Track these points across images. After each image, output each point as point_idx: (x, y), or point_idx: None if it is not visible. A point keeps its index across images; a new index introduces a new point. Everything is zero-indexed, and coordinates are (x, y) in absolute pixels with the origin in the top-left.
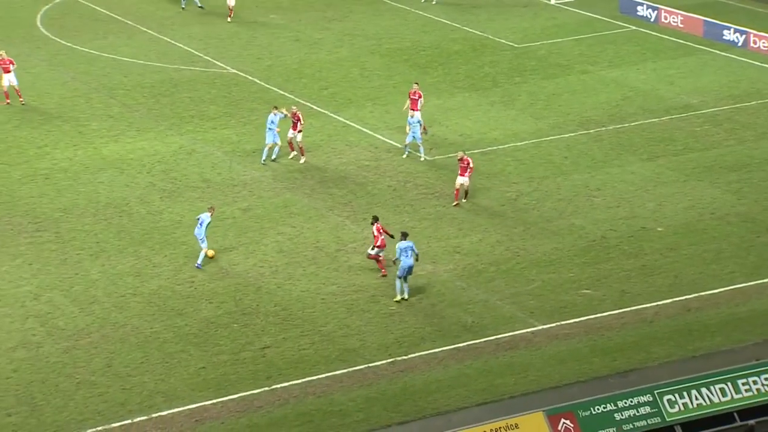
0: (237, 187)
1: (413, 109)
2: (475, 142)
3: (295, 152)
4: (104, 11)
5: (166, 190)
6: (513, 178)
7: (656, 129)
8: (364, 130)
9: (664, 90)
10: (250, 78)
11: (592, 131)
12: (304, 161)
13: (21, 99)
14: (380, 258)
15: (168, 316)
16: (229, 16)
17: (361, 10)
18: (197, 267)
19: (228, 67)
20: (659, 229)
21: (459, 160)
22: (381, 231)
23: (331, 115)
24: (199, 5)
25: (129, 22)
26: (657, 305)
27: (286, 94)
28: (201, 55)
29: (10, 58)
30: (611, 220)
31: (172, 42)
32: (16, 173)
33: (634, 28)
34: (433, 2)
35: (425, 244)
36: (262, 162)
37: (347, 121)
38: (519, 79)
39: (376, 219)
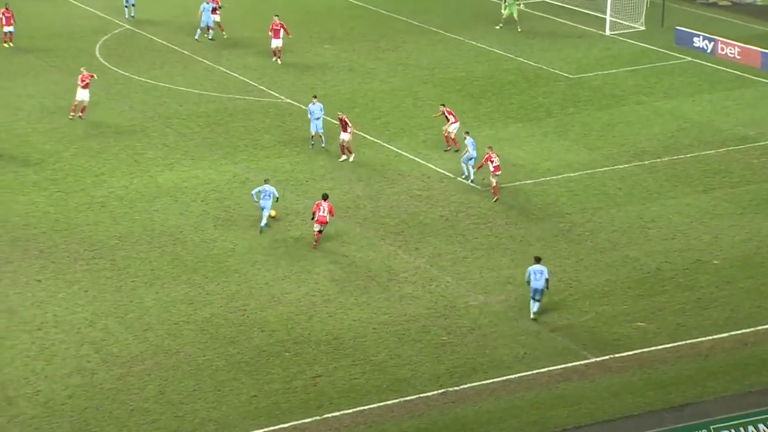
0: (290, 216)
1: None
2: (528, 173)
3: (344, 156)
4: (161, 41)
5: (220, 218)
6: (566, 209)
7: (712, 161)
8: (417, 159)
9: (721, 122)
10: (303, 107)
11: (646, 162)
12: (353, 158)
13: (81, 114)
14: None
15: (220, 344)
16: (279, 58)
17: (414, 40)
18: (261, 229)
19: (282, 97)
20: (715, 261)
21: (339, 120)
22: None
23: (384, 144)
24: (210, 38)
25: (185, 52)
26: (713, 339)
27: (334, 121)
28: (255, 84)
29: (90, 73)
30: (666, 252)
31: (228, 72)
32: (73, 201)
33: (689, 59)
34: (498, 27)
35: (477, 275)
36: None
37: (400, 151)
38: (573, 110)
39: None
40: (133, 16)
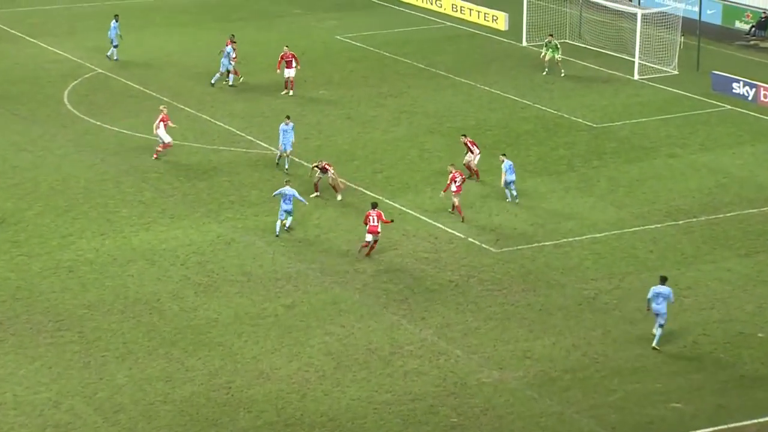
0: (280, 281)
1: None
2: (549, 233)
3: (318, 193)
4: (138, 87)
5: (202, 284)
6: (591, 273)
7: (755, 220)
8: (423, 218)
9: (765, 176)
10: (296, 160)
11: (681, 222)
12: (340, 198)
13: (158, 151)
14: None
15: (201, 426)
16: (291, 89)
17: (420, 84)
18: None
19: (272, 148)
20: (760, 334)
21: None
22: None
23: (387, 201)
24: (231, 84)
25: (165, 99)
26: (758, 422)
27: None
28: (243, 134)
29: (166, 115)
30: (704, 324)
31: (212, 120)
32: (37, 265)
33: (728, 107)
34: (563, 74)
35: (491, 348)
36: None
37: (404, 208)
38: (598, 163)
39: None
40: (116, 59)
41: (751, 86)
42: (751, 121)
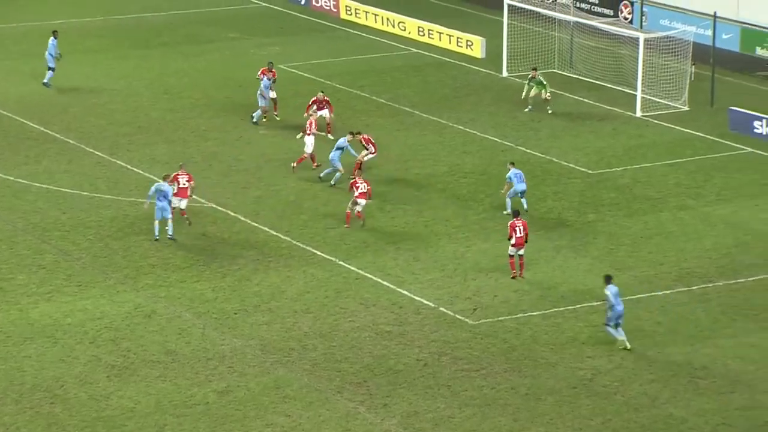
0: (212, 362)
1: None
2: (535, 301)
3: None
4: (38, 127)
5: (116, 366)
6: (587, 350)
7: None
8: (385, 283)
9: None
10: (231, 214)
11: (695, 288)
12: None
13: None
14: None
15: None
16: (329, 132)
17: (380, 123)
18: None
19: (202, 200)
20: None
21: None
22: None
23: (340, 263)
24: (261, 130)
25: (71, 141)
26: None
27: (280, 235)
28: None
29: (186, 176)
30: (724, 411)
31: (128, 167)
32: None
33: (749, 149)
34: (549, 111)
35: None
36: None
37: (362, 272)
38: (594, 217)
39: None
40: (45, 82)
41: None
42: None
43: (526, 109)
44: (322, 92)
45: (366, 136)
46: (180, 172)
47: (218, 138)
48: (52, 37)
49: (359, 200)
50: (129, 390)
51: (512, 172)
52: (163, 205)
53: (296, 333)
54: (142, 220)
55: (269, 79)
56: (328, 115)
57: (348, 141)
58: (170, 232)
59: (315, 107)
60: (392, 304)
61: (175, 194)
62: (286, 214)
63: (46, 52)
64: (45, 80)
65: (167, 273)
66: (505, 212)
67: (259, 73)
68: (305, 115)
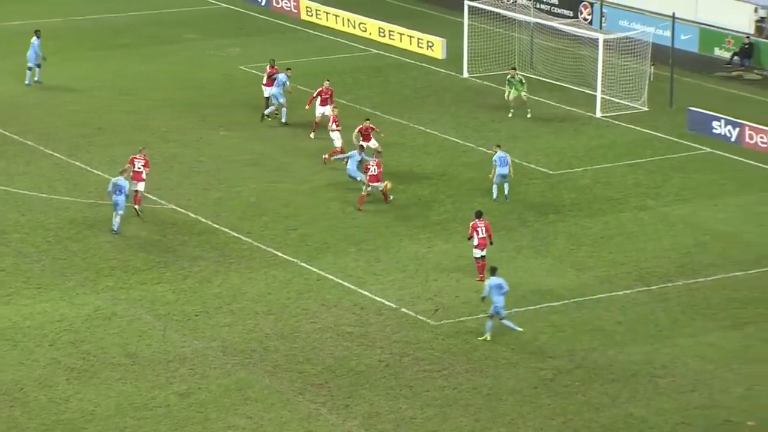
0: (173, 364)
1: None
2: None
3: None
4: None
5: (76, 368)
6: (548, 350)
7: (743, 286)
8: (346, 284)
9: (753, 233)
10: (192, 215)
11: (654, 288)
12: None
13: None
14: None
15: None
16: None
17: (342, 124)
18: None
19: (163, 201)
20: (750, 422)
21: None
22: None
23: (302, 264)
24: (283, 120)
25: (29, 143)
26: None
27: (241, 236)
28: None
29: (143, 160)
30: (683, 410)
31: (88, 168)
32: None
33: (708, 150)
34: (528, 116)
35: None
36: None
37: (323, 273)
38: (554, 217)
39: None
40: (32, 82)
41: (735, 125)
42: (736, 166)
43: (510, 115)
44: (328, 81)
45: (365, 126)
46: (137, 156)
47: (178, 139)
48: (35, 37)
49: (372, 184)
50: (89, 393)
51: (497, 155)
52: (118, 199)
53: (258, 334)
54: (102, 222)
55: (273, 77)
56: (330, 112)
57: (359, 153)
58: (116, 228)
59: (319, 99)
60: (354, 305)
61: (131, 178)
62: (247, 216)
63: (29, 52)
64: (36, 78)
65: (127, 275)
66: (494, 199)
67: (266, 74)
68: (307, 107)
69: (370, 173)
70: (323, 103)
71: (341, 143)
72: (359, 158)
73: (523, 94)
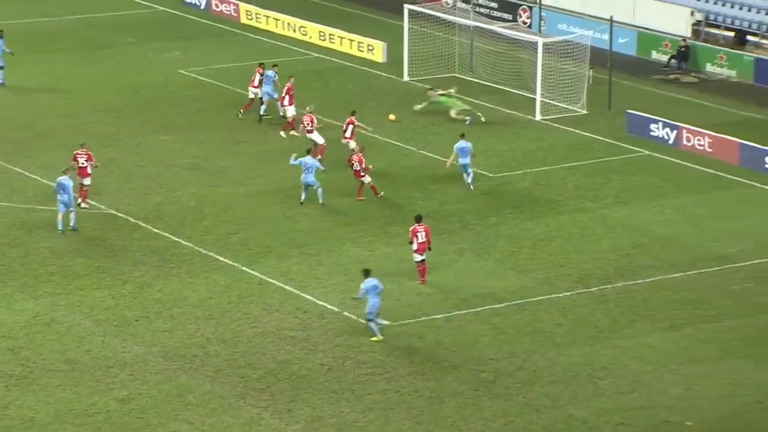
0: (113, 369)
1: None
2: (437, 304)
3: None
4: None
5: (14, 375)
6: (489, 352)
7: (681, 287)
8: (288, 288)
9: (690, 235)
10: (132, 220)
11: (594, 290)
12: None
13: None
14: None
15: None
16: (293, 129)
17: (282, 128)
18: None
19: (102, 206)
20: (688, 423)
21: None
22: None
23: (243, 268)
24: (162, 135)
25: None
26: None
27: (182, 241)
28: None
29: (86, 155)
30: (623, 411)
31: (25, 173)
32: None
33: (646, 152)
34: (467, 123)
35: None
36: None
37: (265, 277)
38: (495, 220)
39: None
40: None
41: (672, 128)
42: (673, 168)
43: (467, 123)
44: (292, 77)
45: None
46: (79, 151)
47: (118, 144)
48: None
49: (359, 178)
50: (28, 399)
51: (459, 144)
52: (64, 198)
53: (199, 339)
54: (41, 227)
55: (261, 73)
56: (292, 113)
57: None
58: (72, 224)
59: (287, 98)
60: (296, 309)
61: (77, 174)
62: (187, 220)
63: None
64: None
65: (66, 281)
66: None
67: (256, 74)
68: (281, 107)
69: (354, 168)
70: (291, 101)
71: (323, 141)
72: (314, 165)
73: (456, 107)
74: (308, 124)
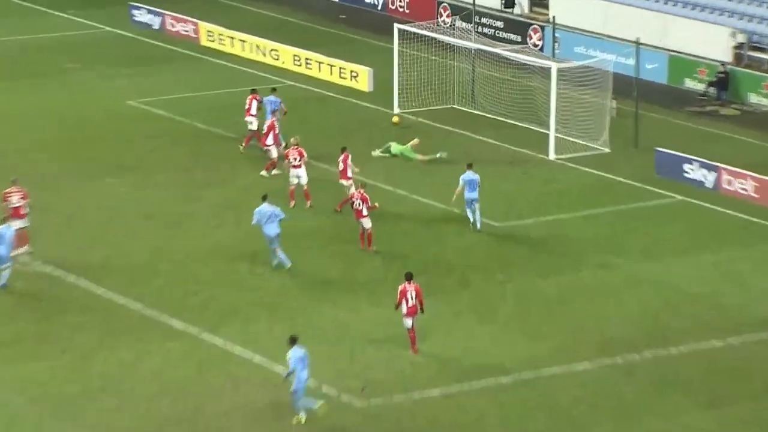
0: None
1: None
2: (432, 377)
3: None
4: None
5: None
6: None
7: (721, 357)
8: (257, 357)
9: (732, 295)
10: (72, 280)
11: (619, 359)
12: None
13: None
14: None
15: None
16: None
17: (249, 169)
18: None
19: (37, 261)
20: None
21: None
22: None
23: (204, 334)
24: (108, 178)
25: None
26: None
27: (131, 301)
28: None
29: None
30: None
31: None
32: None
33: (680, 197)
34: (438, 155)
35: None
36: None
37: (230, 344)
38: (502, 277)
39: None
40: None
41: (710, 168)
42: (712, 216)
43: (438, 156)
44: (255, 90)
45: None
46: (11, 189)
47: (56, 187)
48: None
49: (360, 219)
50: None
51: (466, 175)
52: (1, 251)
53: (152, 419)
54: None
55: (259, 100)
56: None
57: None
58: (3, 282)
59: (272, 136)
60: (266, 381)
61: (10, 216)
62: (138, 278)
63: None
64: None
65: None
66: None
67: (252, 101)
68: (246, 118)
69: (355, 207)
70: (276, 140)
71: (306, 180)
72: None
73: (417, 156)
74: (295, 159)
